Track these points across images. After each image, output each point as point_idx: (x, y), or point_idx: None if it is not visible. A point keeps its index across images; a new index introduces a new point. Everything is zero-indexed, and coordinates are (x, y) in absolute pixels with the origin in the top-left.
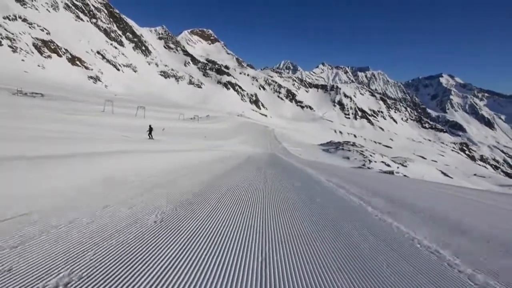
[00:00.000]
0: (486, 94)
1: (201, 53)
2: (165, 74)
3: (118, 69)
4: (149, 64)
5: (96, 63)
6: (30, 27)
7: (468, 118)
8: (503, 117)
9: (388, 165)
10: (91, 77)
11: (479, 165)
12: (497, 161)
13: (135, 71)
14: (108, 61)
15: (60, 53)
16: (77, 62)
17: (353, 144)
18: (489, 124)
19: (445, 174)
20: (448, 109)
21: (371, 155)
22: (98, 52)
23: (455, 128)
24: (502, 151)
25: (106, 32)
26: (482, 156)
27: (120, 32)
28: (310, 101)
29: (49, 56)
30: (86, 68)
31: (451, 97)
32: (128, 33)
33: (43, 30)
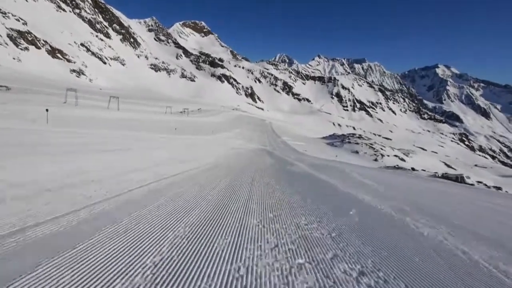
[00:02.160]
0: (482, 84)
1: (194, 46)
2: (155, 67)
3: (105, 62)
4: (138, 57)
5: (79, 56)
6: (4, 17)
7: (464, 108)
8: (498, 106)
9: (402, 159)
10: (74, 71)
11: (479, 155)
12: (494, 151)
13: (123, 65)
14: (93, 53)
15: (39, 45)
16: (58, 55)
17: (360, 137)
18: (485, 114)
19: (448, 166)
20: (444, 99)
21: (381, 149)
22: (82, 44)
23: (451, 118)
24: (498, 141)
25: (91, 23)
26: (481, 146)
27: (106, 24)
28: (307, 94)
29: (26, 48)
30: (68, 61)
31: (447, 87)
32: (115, 24)
33: (19, 20)
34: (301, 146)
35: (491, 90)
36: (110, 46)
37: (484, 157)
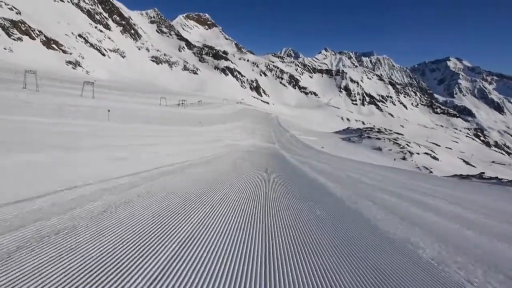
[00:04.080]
0: (495, 78)
1: (197, 38)
2: (157, 60)
3: (104, 54)
4: (139, 49)
5: (76, 47)
6: None
7: (477, 102)
8: None
9: (435, 158)
10: (70, 62)
11: (495, 151)
12: (508, 147)
13: (123, 57)
14: (91, 45)
15: (33, 35)
16: (53, 45)
17: (379, 131)
18: (498, 108)
19: (467, 163)
20: (456, 93)
21: (408, 145)
22: (79, 35)
23: (463, 113)
24: None
25: (90, 14)
26: (496, 142)
27: (106, 15)
28: (314, 87)
29: (20, 39)
30: (64, 52)
31: (459, 81)
32: (115, 15)
33: (12, 9)
34: (314, 142)
35: (505, 83)
36: (109, 38)
37: (501, 153)
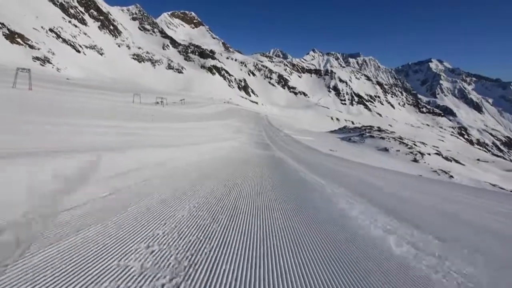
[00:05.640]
0: (474, 78)
1: (183, 37)
2: (138, 58)
3: (78, 51)
4: (119, 46)
5: (46, 42)
6: None
7: (457, 102)
8: (490, 100)
9: (447, 159)
10: (37, 58)
11: (479, 149)
12: (487, 144)
13: (101, 54)
14: (64, 40)
15: None
16: (18, 40)
17: (380, 129)
18: (477, 107)
19: (457, 162)
20: (438, 94)
21: (415, 145)
22: (51, 30)
23: (445, 112)
24: (491, 134)
25: (63, 7)
26: (479, 140)
27: (81, 9)
28: (303, 87)
29: None
30: (31, 47)
31: (440, 82)
32: (92, 10)
33: None
34: (312, 142)
35: (482, 84)
36: (85, 33)
37: (484, 151)
